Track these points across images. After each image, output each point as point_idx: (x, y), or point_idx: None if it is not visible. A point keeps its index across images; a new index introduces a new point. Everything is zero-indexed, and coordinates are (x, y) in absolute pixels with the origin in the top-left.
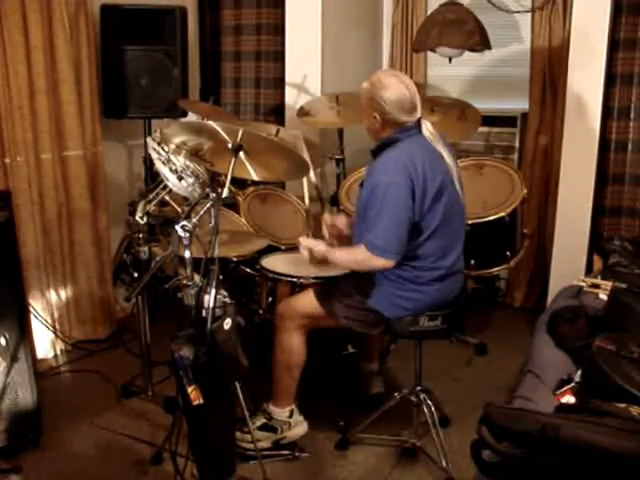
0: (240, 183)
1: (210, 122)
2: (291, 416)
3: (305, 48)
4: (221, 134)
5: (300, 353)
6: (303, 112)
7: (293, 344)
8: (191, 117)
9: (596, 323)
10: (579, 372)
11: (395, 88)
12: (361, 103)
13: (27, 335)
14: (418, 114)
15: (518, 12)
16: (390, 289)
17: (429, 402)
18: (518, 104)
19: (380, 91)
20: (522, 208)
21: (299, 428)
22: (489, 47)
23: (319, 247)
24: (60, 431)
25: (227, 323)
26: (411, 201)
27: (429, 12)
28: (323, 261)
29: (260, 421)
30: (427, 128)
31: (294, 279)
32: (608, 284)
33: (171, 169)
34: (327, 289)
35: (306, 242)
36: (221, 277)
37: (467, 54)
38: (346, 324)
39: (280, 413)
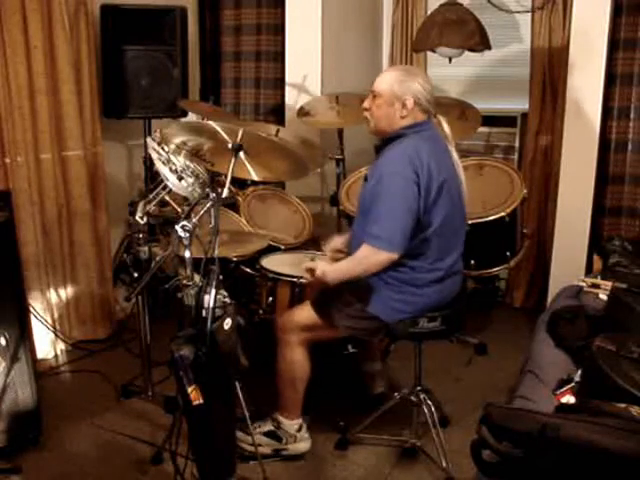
0: (240, 183)
1: (210, 122)
2: (299, 430)
3: (305, 48)
4: (221, 134)
5: (303, 367)
6: (303, 112)
7: (295, 358)
8: (191, 117)
9: (596, 323)
10: (579, 372)
11: (426, 78)
12: (382, 91)
13: (27, 335)
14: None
15: (518, 12)
16: (389, 293)
17: (429, 402)
18: (518, 104)
19: (414, 77)
20: (522, 208)
21: (303, 444)
22: (489, 47)
23: (320, 265)
24: (60, 431)
25: (227, 323)
26: (417, 193)
27: (429, 12)
28: (321, 283)
29: (267, 427)
30: (446, 122)
31: (294, 279)
32: (608, 284)
33: (171, 169)
34: (325, 299)
35: (308, 265)
36: (221, 277)
37: (467, 54)
38: (347, 333)
39: (289, 425)
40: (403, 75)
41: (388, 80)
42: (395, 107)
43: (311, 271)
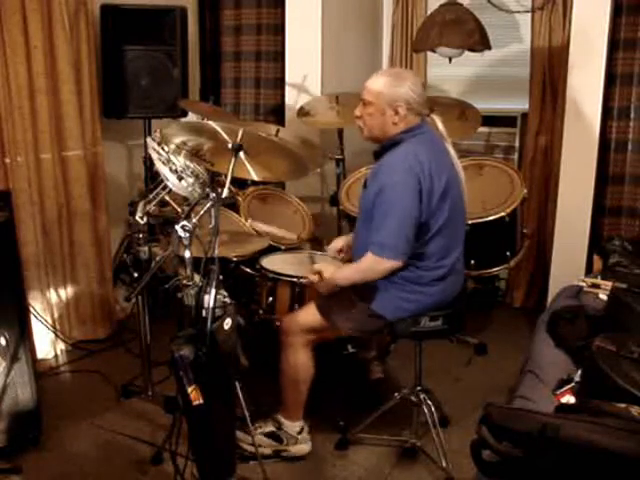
0: (240, 183)
1: (210, 122)
2: (300, 432)
3: (305, 48)
4: (221, 134)
5: (306, 369)
6: (303, 112)
7: (299, 360)
8: (191, 117)
9: (596, 323)
10: (579, 372)
11: (416, 80)
12: (373, 99)
13: (27, 335)
14: (427, 109)
15: (518, 12)
16: (393, 291)
17: (429, 402)
18: (518, 104)
19: (403, 82)
20: (522, 208)
21: (303, 446)
22: (489, 47)
23: (328, 268)
24: (60, 431)
25: (227, 323)
26: (418, 201)
27: (429, 12)
28: (330, 288)
29: (268, 428)
30: (440, 121)
31: (294, 279)
32: (608, 284)
33: (171, 169)
34: (328, 300)
35: (316, 267)
36: (221, 277)
37: (467, 54)
38: (350, 333)
39: (291, 426)
40: (392, 81)
41: (377, 87)
42: (387, 114)
43: (319, 274)
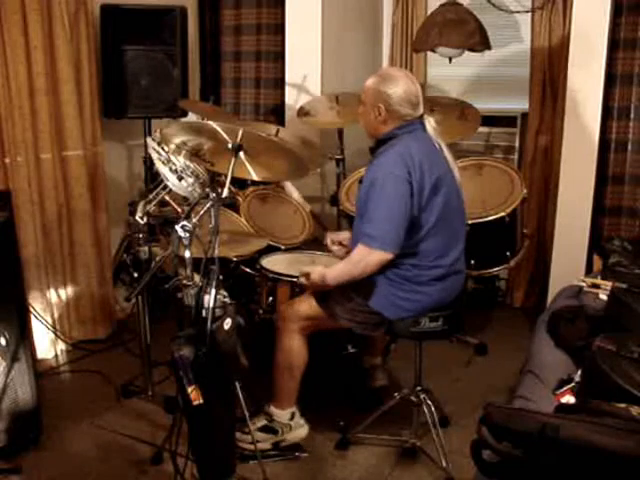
0: (240, 183)
1: (210, 122)
2: (292, 418)
3: (305, 48)
4: (221, 134)
5: (301, 355)
6: (303, 112)
7: (294, 346)
8: (191, 117)
9: (596, 323)
10: (579, 372)
11: (402, 81)
12: (364, 98)
13: (27, 335)
14: (421, 110)
15: (518, 12)
16: (391, 290)
17: (429, 402)
18: (518, 104)
19: (388, 83)
20: (522, 208)
21: (300, 431)
22: (489, 47)
23: (317, 269)
24: (60, 431)
25: (227, 323)
26: (409, 194)
27: (429, 12)
28: (320, 287)
29: (261, 422)
30: (430, 124)
31: (294, 279)
32: (608, 284)
33: (171, 169)
34: (328, 292)
35: (304, 270)
36: (221, 277)
37: (467, 54)
38: (348, 326)
39: (281, 415)
40: (377, 83)
41: (366, 88)
42: (372, 114)
43: (306, 275)
